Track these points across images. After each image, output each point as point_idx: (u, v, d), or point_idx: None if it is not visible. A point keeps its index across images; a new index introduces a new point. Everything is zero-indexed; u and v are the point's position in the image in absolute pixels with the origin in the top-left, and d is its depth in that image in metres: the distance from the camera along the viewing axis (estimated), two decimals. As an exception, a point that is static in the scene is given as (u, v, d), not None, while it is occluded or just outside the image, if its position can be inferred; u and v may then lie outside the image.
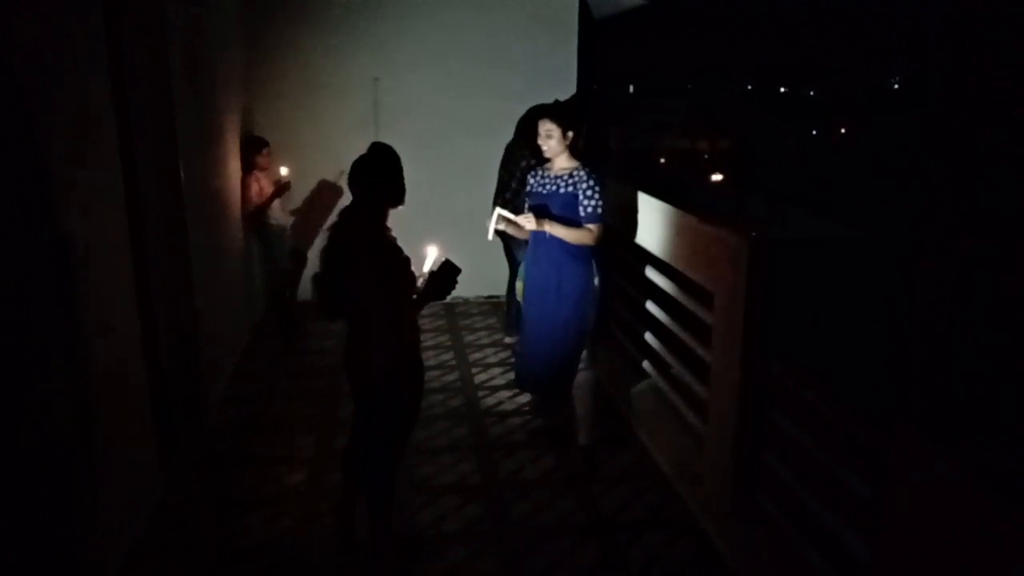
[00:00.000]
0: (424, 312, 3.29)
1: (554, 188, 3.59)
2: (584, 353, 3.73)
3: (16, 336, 2.22)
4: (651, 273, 4.00)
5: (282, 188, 5.51)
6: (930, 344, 1.82)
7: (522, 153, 4.81)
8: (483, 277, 5.64)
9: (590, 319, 3.67)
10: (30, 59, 2.41)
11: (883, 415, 2.06)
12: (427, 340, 5.59)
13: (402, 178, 2.83)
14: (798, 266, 2.80)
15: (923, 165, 1.81)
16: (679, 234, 3.56)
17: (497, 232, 3.57)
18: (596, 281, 3.65)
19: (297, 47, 5.97)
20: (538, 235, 3.58)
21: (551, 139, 3.55)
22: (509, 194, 4.87)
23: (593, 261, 3.63)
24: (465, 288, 5.84)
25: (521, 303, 3.86)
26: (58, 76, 2.62)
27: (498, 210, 3.54)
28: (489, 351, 5.41)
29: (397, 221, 2.82)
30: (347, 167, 2.79)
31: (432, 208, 5.61)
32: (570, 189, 3.54)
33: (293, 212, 5.94)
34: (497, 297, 6.26)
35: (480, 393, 4.69)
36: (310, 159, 5.98)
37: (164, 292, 3.78)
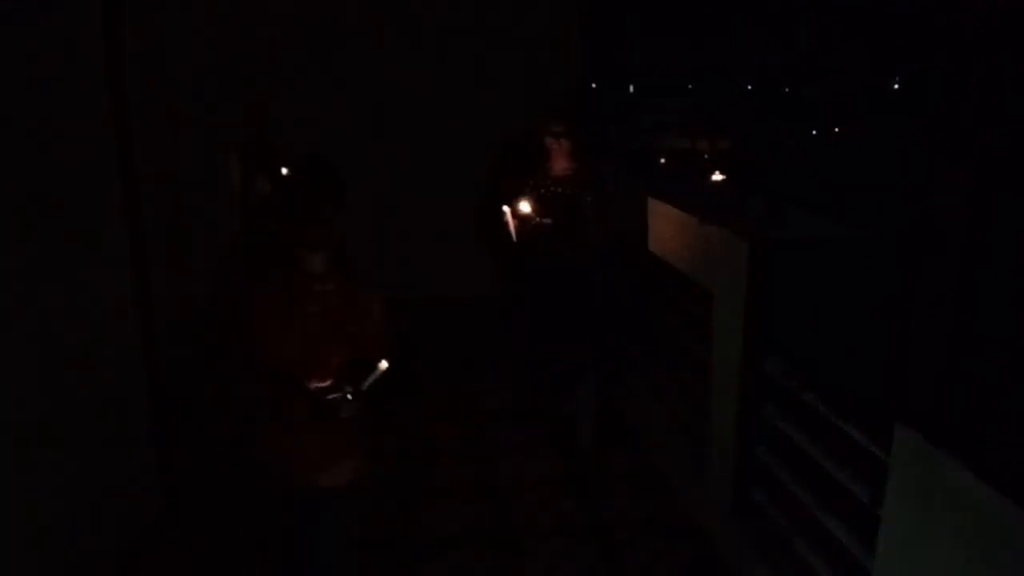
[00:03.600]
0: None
1: (556, 190, 3.59)
2: (586, 354, 3.73)
3: (16, 336, 2.22)
4: (651, 273, 4.00)
5: None
6: (930, 344, 1.82)
7: (523, 155, 4.81)
8: (483, 277, 5.64)
9: (593, 320, 3.67)
10: (29, 59, 2.41)
11: (883, 415, 2.06)
12: (427, 340, 5.58)
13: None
14: (798, 266, 2.80)
15: (923, 165, 1.81)
16: (679, 234, 3.56)
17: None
18: (599, 282, 3.65)
19: (297, 46, 5.96)
20: (540, 236, 3.58)
21: (555, 141, 3.55)
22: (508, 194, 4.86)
23: (595, 261, 3.62)
24: (465, 288, 5.85)
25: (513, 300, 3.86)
26: (57, 76, 2.62)
27: (507, 209, 3.54)
28: (489, 351, 5.40)
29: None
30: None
31: (435, 210, 5.60)
32: (573, 190, 3.54)
33: None
34: (496, 297, 6.25)
35: (480, 393, 4.69)
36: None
37: (164, 292, 3.77)
